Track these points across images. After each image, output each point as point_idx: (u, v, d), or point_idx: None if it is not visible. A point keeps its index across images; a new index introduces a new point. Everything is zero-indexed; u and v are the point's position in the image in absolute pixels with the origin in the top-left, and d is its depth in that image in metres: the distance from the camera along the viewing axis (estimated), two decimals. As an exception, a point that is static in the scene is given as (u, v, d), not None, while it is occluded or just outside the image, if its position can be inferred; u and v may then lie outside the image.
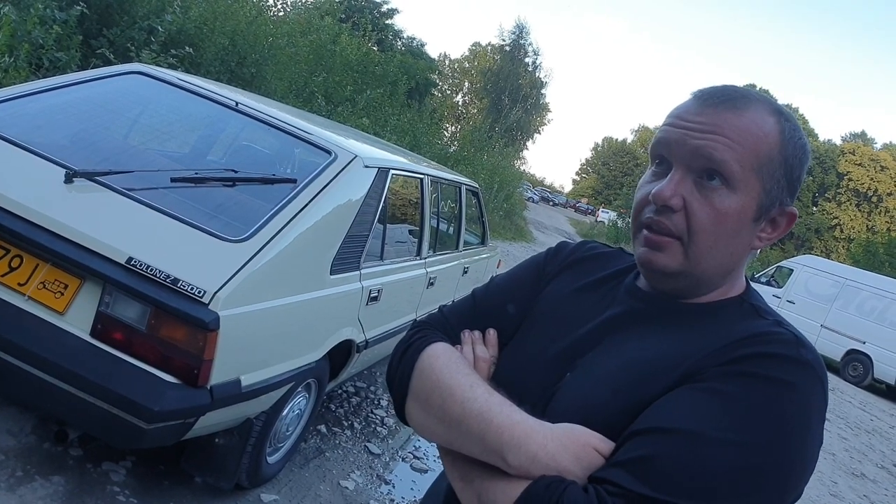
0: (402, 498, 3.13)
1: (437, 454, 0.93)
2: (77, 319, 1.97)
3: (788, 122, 0.85)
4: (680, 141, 0.84)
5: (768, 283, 14.77)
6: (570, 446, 0.76)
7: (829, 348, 12.92)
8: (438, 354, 0.92)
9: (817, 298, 13.70)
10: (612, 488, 0.70)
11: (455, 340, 0.99)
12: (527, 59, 46.47)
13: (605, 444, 0.77)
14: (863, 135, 60.28)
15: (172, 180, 2.33)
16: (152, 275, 1.94)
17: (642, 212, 0.87)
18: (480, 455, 0.80)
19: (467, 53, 55.52)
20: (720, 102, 0.83)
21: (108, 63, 6.35)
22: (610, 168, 74.30)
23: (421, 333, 0.98)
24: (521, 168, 49.42)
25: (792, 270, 14.60)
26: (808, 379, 0.74)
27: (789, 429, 0.72)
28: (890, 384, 12.65)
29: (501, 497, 0.75)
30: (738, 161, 0.81)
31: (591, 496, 0.70)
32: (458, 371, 0.89)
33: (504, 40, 46.83)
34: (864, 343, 12.87)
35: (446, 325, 1.02)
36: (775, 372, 0.74)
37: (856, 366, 13.04)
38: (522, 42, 46.39)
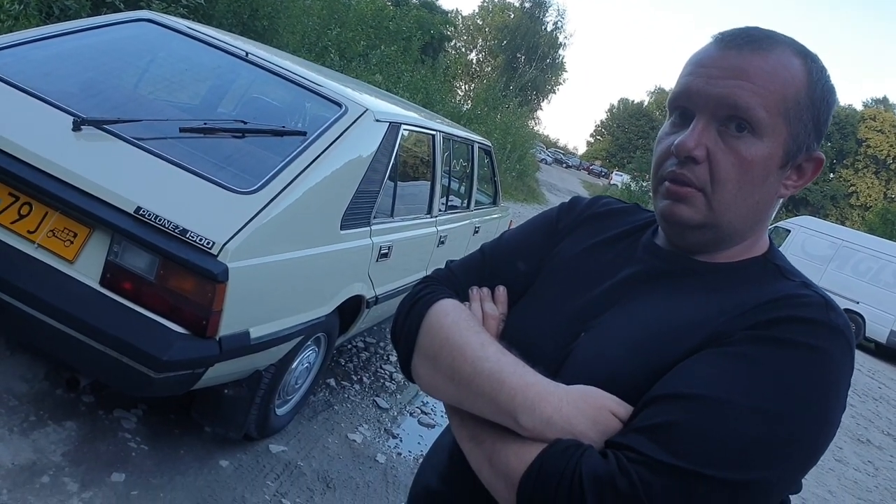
0: (409, 452, 3.17)
1: (445, 410, 0.90)
2: (86, 268, 1.96)
3: (815, 63, 0.80)
4: (702, 89, 0.79)
5: None
6: (587, 409, 0.73)
7: None
8: (447, 311, 0.88)
9: (813, 259, 13.68)
10: (632, 455, 0.67)
11: (463, 297, 0.94)
12: (546, 19, 45.44)
13: (622, 408, 0.74)
14: (885, 100, 58.91)
15: (181, 130, 2.30)
16: (161, 225, 1.92)
17: (663, 165, 0.83)
18: (491, 416, 0.77)
19: (477, 10, 54.38)
20: (744, 44, 0.79)
21: (118, 12, 6.25)
22: (625, 130, 73.22)
23: (428, 289, 0.93)
24: (535, 128, 48.83)
25: (789, 231, 14.54)
26: (839, 345, 0.71)
27: (817, 398, 0.69)
28: (880, 343, 12.80)
29: (514, 460, 0.72)
30: (765, 107, 0.77)
31: (611, 462, 0.67)
32: (469, 329, 0.85)
33: (522, -3, 45.82)
34: (858, 303, 12.94)
35: (454, 280, 0.97)
36: (806, 338, 0.70)
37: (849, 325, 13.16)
38: (543, 0, 45.33)
